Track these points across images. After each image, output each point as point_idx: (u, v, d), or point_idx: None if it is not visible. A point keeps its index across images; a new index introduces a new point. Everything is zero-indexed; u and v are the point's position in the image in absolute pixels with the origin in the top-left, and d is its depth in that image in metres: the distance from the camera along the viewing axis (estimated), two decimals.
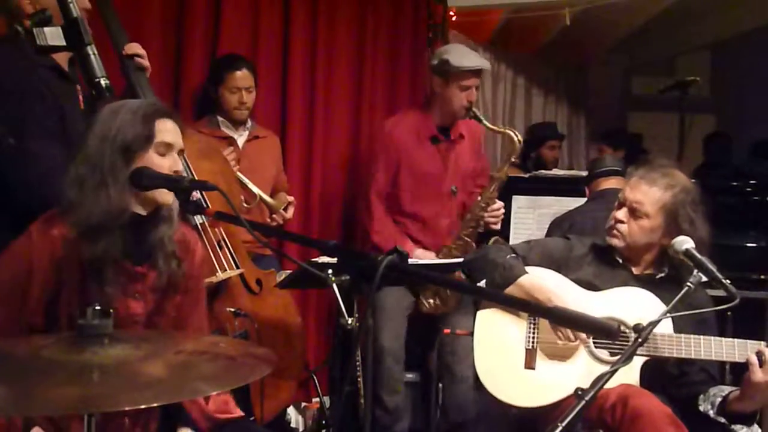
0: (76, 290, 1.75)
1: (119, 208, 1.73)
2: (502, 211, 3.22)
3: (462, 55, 3.22)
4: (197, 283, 2.00)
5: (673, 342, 2.11)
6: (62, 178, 1.79)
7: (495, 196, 3.18)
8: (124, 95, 2.25)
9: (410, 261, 3.07)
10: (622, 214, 2.27)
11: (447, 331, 2.98)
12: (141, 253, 1.81)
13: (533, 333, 2.29)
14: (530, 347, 2.27)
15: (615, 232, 2.29)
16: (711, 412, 2.08)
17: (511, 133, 3.19)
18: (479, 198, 3.19)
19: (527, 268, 2.31)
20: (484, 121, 3.17)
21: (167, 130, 1.79)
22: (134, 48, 2.34)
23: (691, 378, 2.20)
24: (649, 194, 2.22)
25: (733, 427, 2.08)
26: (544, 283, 2.25)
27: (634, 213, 2.24)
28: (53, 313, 1.76)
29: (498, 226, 3.22)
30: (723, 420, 2.06)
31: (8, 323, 1.73)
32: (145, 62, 2.35)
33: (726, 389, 2.11)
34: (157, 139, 1.76)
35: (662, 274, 2.27)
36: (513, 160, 3.24)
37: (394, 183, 3.27)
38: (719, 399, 2.08)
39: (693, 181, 2.34)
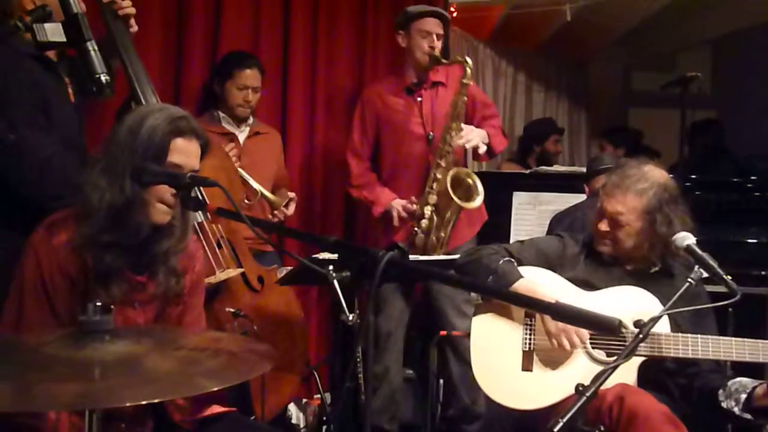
0: (79, 294, 1.74)
1: (136, 227, 1.73)
2: (473, 131, 3.14)
3: (417, 6, 3.37)
4: (197, 288, 2.00)
5: (677, 341, 2.10)
6: (61, 170, 1.78)
7: (458, 129, 3.13)
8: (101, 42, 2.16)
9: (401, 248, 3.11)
10: (604, 225, 2.27)
11: (443, 333, 2.98)
12: (142, 262, 1.80)
13: (530, 335, 2.28)
14: (527, 349, 2.26)
15: (603, 240, 2.30)
16: (736, 409, 2.04)
17: (462, 60, 3.16)
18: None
19: (522, 269, 2.30)
20: (441, 60, 3.21)
21: (180, 150, 1.75)
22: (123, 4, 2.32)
23: (700, 368, 2.19)
24: (626, 203, 2.21)
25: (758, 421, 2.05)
26: (540, 286, 2.23)
27: (616, 222, 2.24)
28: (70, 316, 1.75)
29: (473, 143, 3.15)
30: (749, 417, 2.03)
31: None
32: (130, 9, 2.34)
33: (748, 383, 2.07)
34: (168, 158, 1.74)
35: (656, 268, 2.28)
36: (465, 81, 3.14)
37: (377, 140, 3.36)
38: (744, 395, 2.04)
39: (689, 175, 2.32)
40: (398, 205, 3.24)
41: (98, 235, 1.71)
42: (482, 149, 3.23)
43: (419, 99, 3.30)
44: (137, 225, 1.74)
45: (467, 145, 3.16)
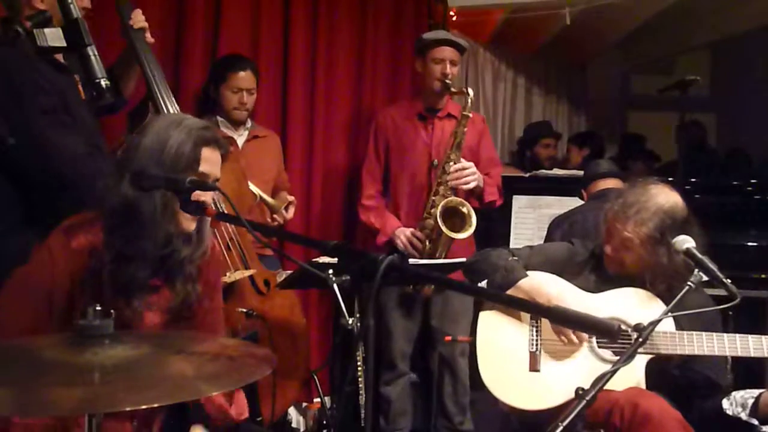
0: (94, 301, 1.74)
1: (164, 240, 1.74)
2: (469, 169, 3.12)
3: (434, 32, 3.42)
4: (215, 286, 2.01)
5: (675, 339, 2.11)
6: (94, 168, 1.79)
7: (456, 159, 3.14)
8: (121, 58, 2.50)
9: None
10: (609, 249, 2.27)
11: (449, 338, 2.98)
12: (159, 267, 1.80)
13: (536, 335, 2.28)
14: (534, 350, 2.27)
15: (609, 262, 2.30)
16: (743, 414, 2.05)
17: (465, 92, 3.21)
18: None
19: (528, 272, 2.31)
20: (450, 88, 3.24)
21: (208, 159, 1.77)
22: (139, 19, 2.49)
23: (701, 373, 2.19)
24: (627, 232, 2.19)
25: (764, 428, 2.05)
26: (545, 285, 2.25)
27: (619, 248, 2.23)
28: (67, 321, 1.75)
29: (469, 186, 3.13)
30: (755, 422, 2.03)
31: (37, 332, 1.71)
32: (144, 23, 2.52)
33: (754, 391, 2.08)
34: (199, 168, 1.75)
35: (659, 291, 2.25)
36: (465, 113, 3.15)
37: (386, 162, 3.39)
38: (751, 400, 2.05)
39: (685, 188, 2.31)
40: (402, 234, 3.22)
41: (126, 248, 1.71)
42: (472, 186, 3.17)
43: (430, 126, 3.33)
44: (168, 235, 1.74)
45: (464, 186, 3.13)
